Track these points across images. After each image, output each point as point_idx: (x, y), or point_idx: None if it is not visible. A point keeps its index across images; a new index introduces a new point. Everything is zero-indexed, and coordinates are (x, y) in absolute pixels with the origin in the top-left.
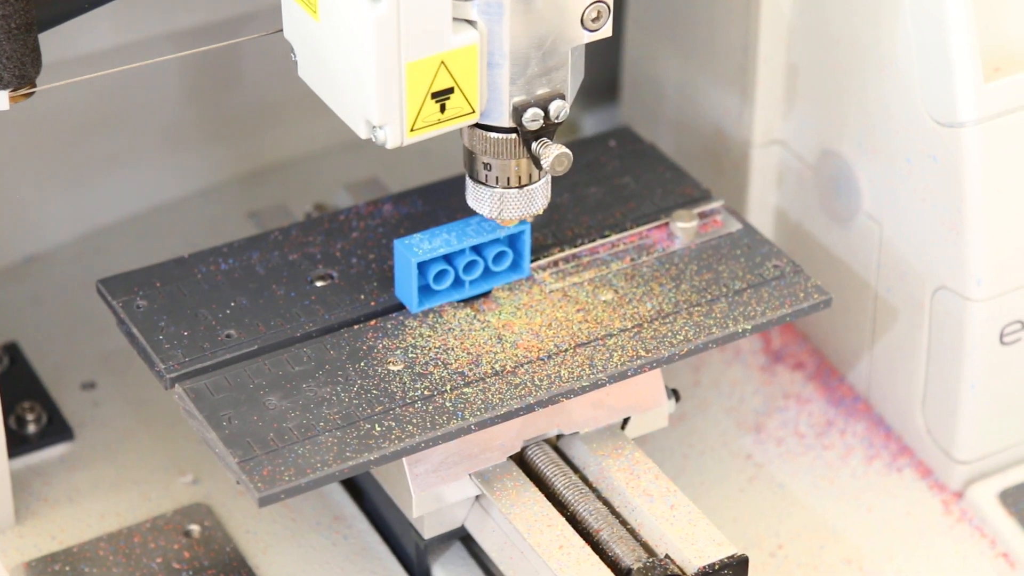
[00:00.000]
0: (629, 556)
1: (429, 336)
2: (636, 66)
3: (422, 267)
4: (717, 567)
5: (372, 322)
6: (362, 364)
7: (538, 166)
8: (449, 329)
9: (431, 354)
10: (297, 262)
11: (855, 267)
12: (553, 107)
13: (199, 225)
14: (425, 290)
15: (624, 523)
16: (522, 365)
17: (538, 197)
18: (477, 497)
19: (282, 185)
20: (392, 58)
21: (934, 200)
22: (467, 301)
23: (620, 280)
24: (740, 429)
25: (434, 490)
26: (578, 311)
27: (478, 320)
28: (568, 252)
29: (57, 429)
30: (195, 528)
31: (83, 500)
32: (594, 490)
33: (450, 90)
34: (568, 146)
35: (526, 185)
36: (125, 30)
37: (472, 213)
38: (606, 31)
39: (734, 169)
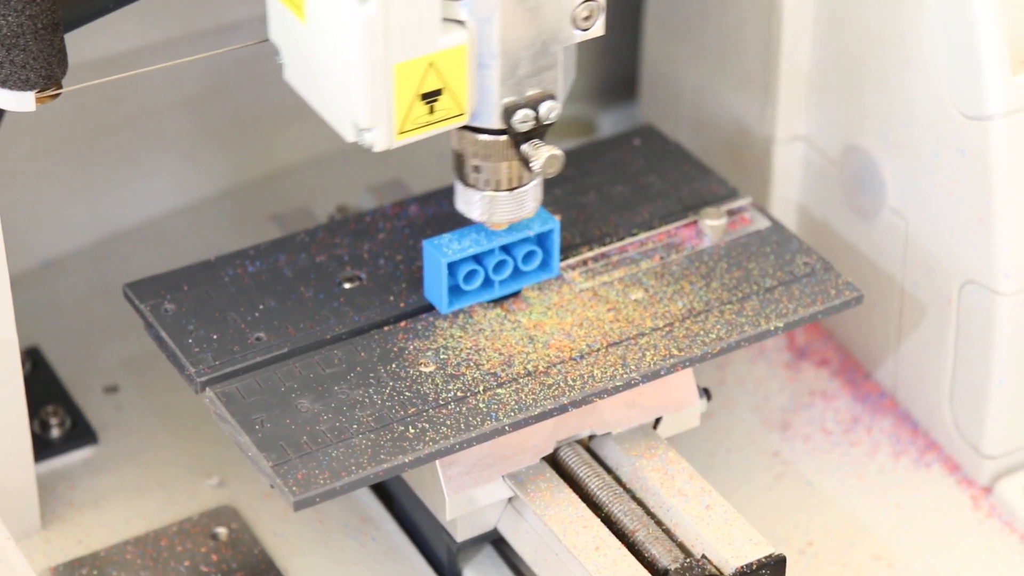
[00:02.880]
0: (666, 557)
1: (460, 337)
2: (655, 64)
3: (452, 267)
4: (755, 567)
5: (402, 323)
6: (394, 366)
7: (529, 168)
8: (480, 330)
9: (463, 355)
10: (324, 264)
11: (880, 263)
12: (544, 108)
13: (218, 228)
14: (455, 290)
15: (660, 523)
16: (554, 365)
17: (529, 200)
18: (510, 499)
19: (302, 187)
20: (380, 59)
21: (961, 194)
22: (497, 301)
23: (650, 279)
24: (766, 427)
25: (467, 492)
26: (609, 310)
27: (509, 320)
28: (597, 251)
29: (81, 433)
30: (222, 531)
31: (108, 504)
32: (628, 491)
33: (439, 91)
34: (593, 146)
35: (517, 188)
36: (147, 31)
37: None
38: (597, 30)
39: (756, 166)
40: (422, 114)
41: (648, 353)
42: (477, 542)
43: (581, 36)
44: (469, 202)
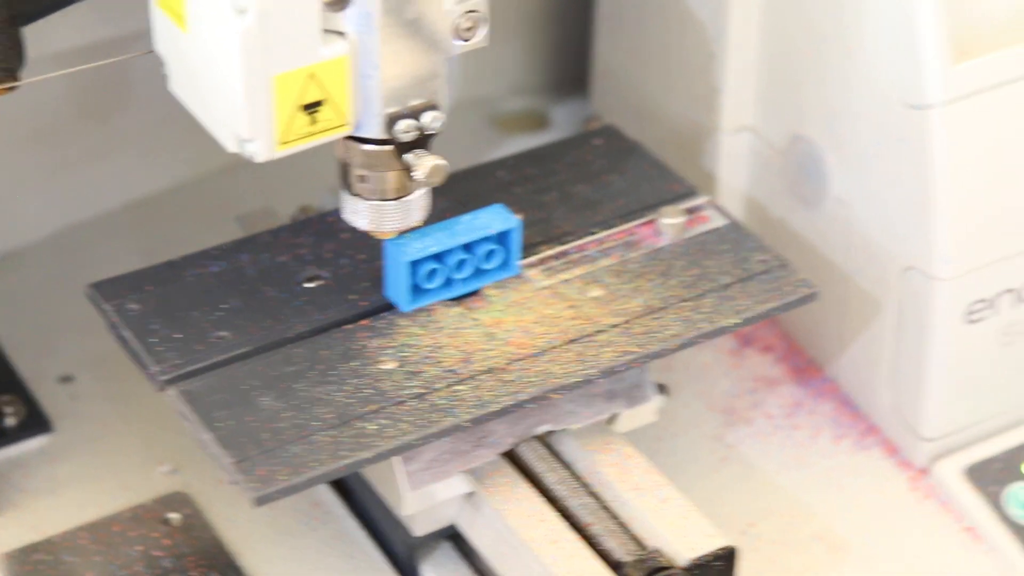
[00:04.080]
0: (621, 550)
1: (420, 335)
2: (606, 57)
3: (413, 266)
4: (708, 559)
5: (364, 322)
6: (354, 363)
7: (412, 177)
8: (440, 327)
9: (423, 352)
10: (287, 263)
11: (824, 250)
12: (427, 117)
13: (176, 221)
14: (416, 289)
15: (616, 517)
16: (514, 362)
17: (416, 209)
18: (468, 494)
19: (263, 183)
20: (260, 70)
21: (902, 182)
22: (458, 299)
23: (609, 276)
24: (711, 412)
25: (426, 488)
26: (568, 308)
27: (469, 318)
28: (557, 250)
29: (36, 422)
30: (175, 516)
31: (63, 491)
32: (585, 485)
33: (320, 102)
34: (554, 145)
35: (403, 197)
36: (106, 25)
37: (463, 210)
38: (480, 41)
39: (705, 157)
40: (303, 125)
41: (606, 350)
42: (435, 537)
43: (463, 47)
44: (356, 211)
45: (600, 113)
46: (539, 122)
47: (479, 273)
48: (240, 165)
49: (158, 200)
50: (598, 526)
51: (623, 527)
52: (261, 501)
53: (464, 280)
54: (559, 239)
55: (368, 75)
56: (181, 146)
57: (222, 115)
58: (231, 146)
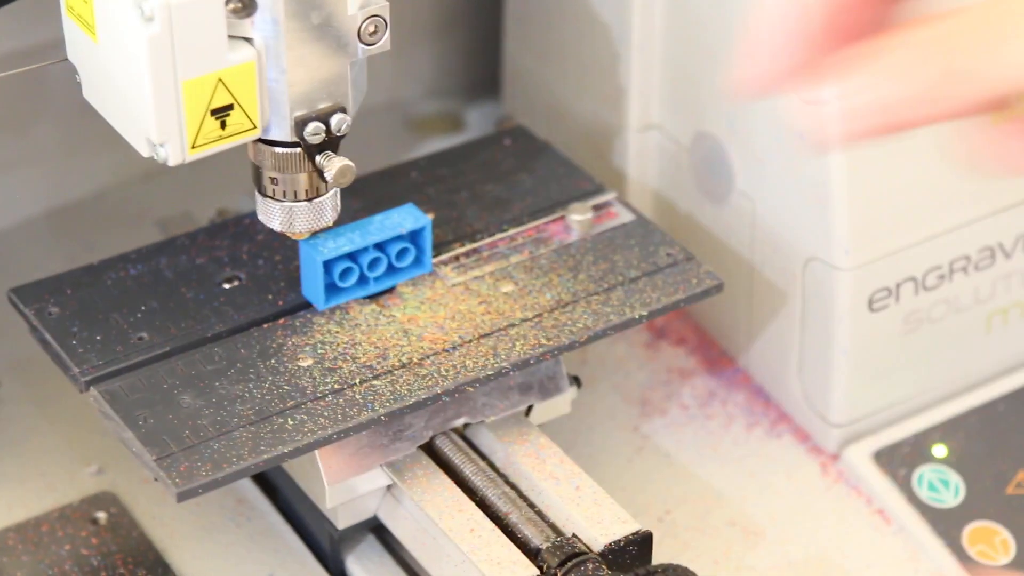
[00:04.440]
0: (538, 536)
1: (337, 332)
2: (516, 59)
3: (327, 265)
4: (623, 543)
5: (281, 320)
6: (272, 361)
7: (323, 179)
8: (356, 325)
9: (339, 349)
10: (204, 265)
11: (731, 244)
12: (335, 120)
13: (97, 228)
14: (331, 288)
15: (532, 506)
16: (428, 357)
17: (327, 209)
18: (389, 487)
19: (182, 189)
20: (168, 76)
21: (801, 175)
22: (372, 297)
23: (520, 272)
24: (626, 403)
25: (347, 481)
26: (480, 303)
27: (384, 315)
28: (468, 247)
29: None
30: (102, 516)
31: None
32: (502, 476)
33: (230, 107)
34: (465, 146)
35: (314, 198)
36: (20, 35)
37: (375, 210)
38: (384, 45)
39: (614, 155)
40: (214, 129)
41: (518, 343)
42: (358, 530)
43: (368, 51)
44: (268, 213)
45: (513, 114)
46: (453, 124)
47: (392, 271)
48: (158, 172)
49: (78, 207)
50: (515, 515)
51: (540, 515)
52: (183, 496)
53: (378, 279)
54: (470, 237)
55: (275, 80)
56: (99, 153)
57: (134, 121)
58: (144, 150)
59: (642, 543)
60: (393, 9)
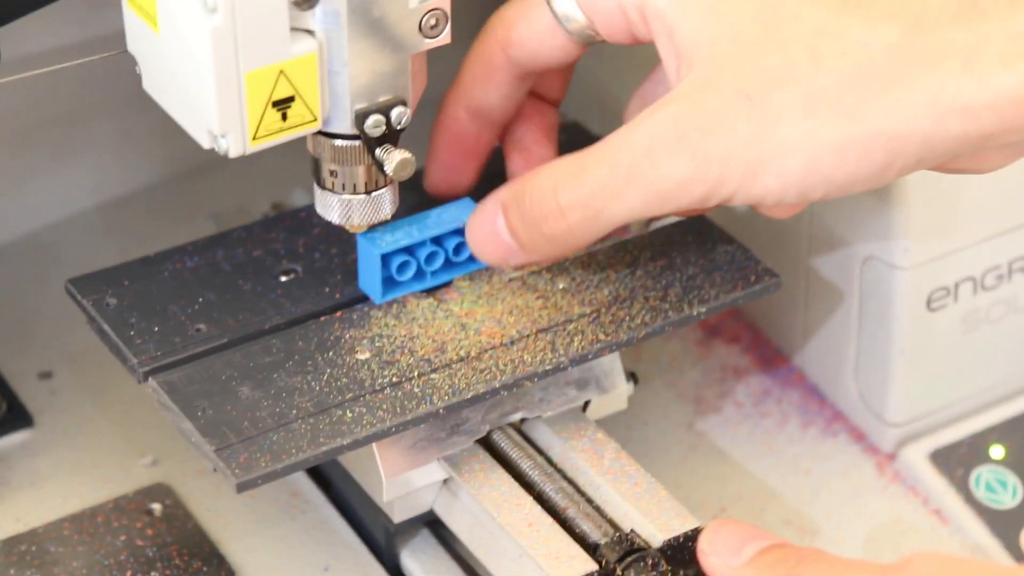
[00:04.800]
0: (596, 532)
1: (394, 325)
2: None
3: (385, 259)
4: (681, 540)
5: (338, 313)
6: (330, 354)
7: (382, 172)
8: (413, 318)
9: (397, 342)
10: (261, 258)
11: (787, 242)
12: (395, 113)
13: (150, 220)
14: (388, 281)
15: (590, 501)
16: (486, 351)
17: (386, 203)
18: (445, 481)
19: (235, 183)
20: (231, 68)
21: None
22: (429, 291)
23: (576, 268)
24: (681, 401)
25: (404, 475)
26: (537, 298)
27: (441, 309)
28: None
29: (17, 416)
30: (157, 507)
31: (45, 484)
32: (559, 471)
33: (291, 99)
34: None
35: (373, 191)
36: (79, 26)
37: (433, 204)
38: (445, 38)
39: None
40: (275, 120)
41: (576, 338)
42: (413, 524)
43: (429, 44)
44: (327, 206)
45: (567, 111)
46: None
47: (450, 266)
48: (214, 165)
49: (132, 200)
50: (573, 510)
51: (598, 510)
52: (243, 487)
53: (435, 273)
54: None
55: (337, 72)
56: (155, 147)
57: (195, 112)
58: (205, 142)
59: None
60: (454, 3)
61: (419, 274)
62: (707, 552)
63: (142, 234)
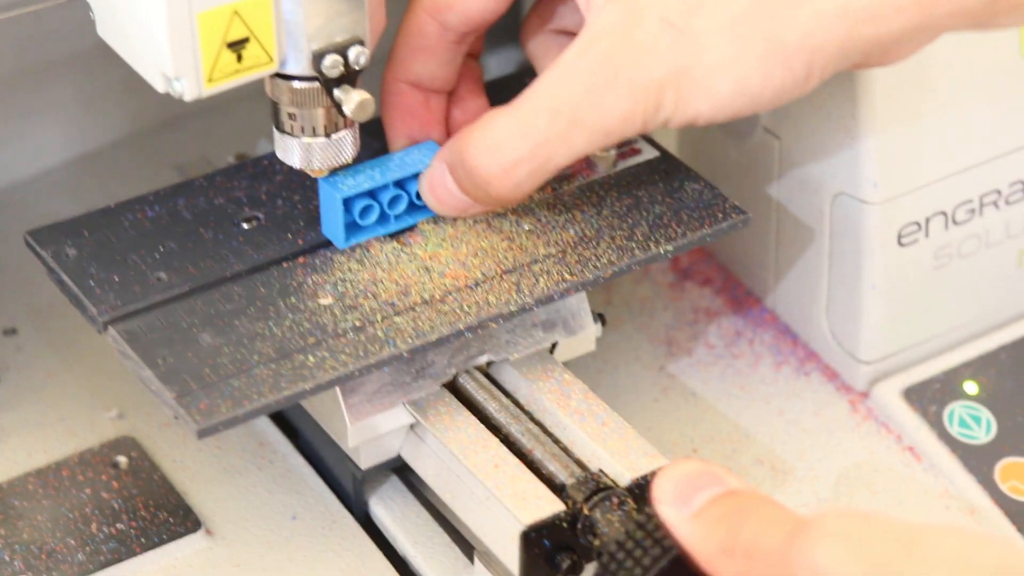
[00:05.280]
0: (563, 472)
1: (358, 270)
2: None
3: (347, 203)
4: (648, 478)
5: (301, 259)
6: (293, 299)
7: (341, 113)
8: (377, 263)
9: (360, 287)
10: (223, 206)
11: (756, 181)
12: (352, 53)
13: (115, 175)
14: (352, 226)
15: (557, 442)
16: (450, 293)
17: (347, 145)
18: (412, 426)
19: (200, 135)
20: (183, 9)
21: (828, 109)
22: (393, 235)
23: (542, 209)
24: (652, 343)
25: (369, 420)
26: (503, 240)
27: (405, 253)
28: None
29: None
30: (122, 460)
31: (9, 439)
32: (526, 413)
33: (245, 40)
34: (488, 84)
35: (333, 133)
36: None
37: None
38: None
39: None
40: (230, 62)
41: (542, 279)
42: (381, 470)
43: None
44: (287, 149)
45: None
46: None
47: (414, 209)
48: (176, 118)
49: (97, 156)
50: (540, 451)
51: (565, 451)
52: (203, 433)
53: (399, 216)
54: None
55: (292, 12)
56: (120, 102)
57: (149, 55)
58: (159, 86)
59: None
60: None
61: (383, 218)
62: (659, 500)
63: (109, 189)
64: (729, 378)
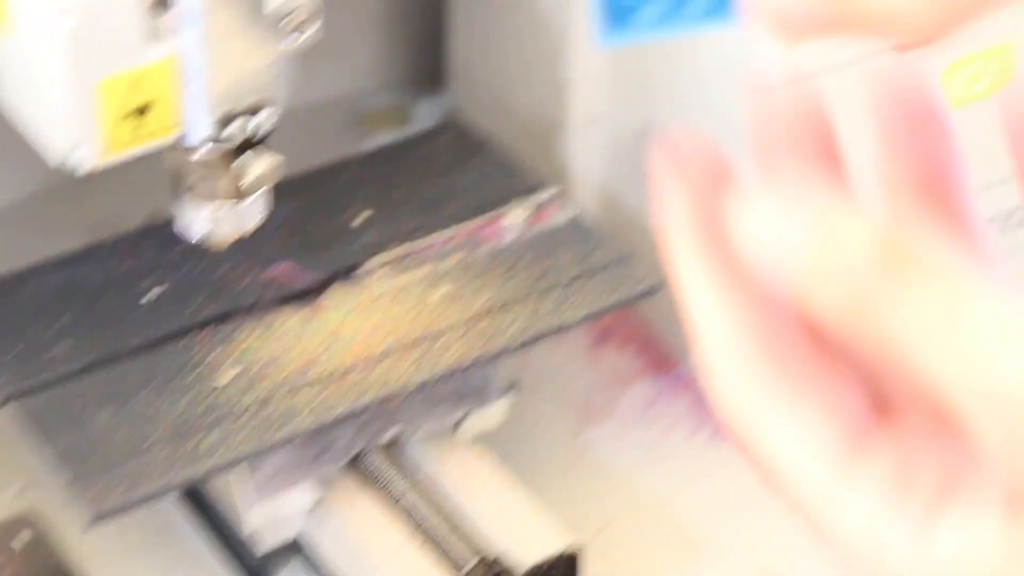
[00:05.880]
0: (467, 555)
1: (261, 343)
2: (461, 52)
3: None
4: (545, 567)
5: (203, 331)
6: (191, 376)
7: (244, 180)
8: (282, 335)
9: (263, 361)
10: (126, 274)
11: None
12: (257, 119)
13: (25, 234)
14: (619, 12)
15: (462, 523)
16: (354, 367)
17: (251, 213)
18: (314, 506)
19: (114, 191)
20: (83, 75)
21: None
22: (299, 307)
23: (454, 275)
24: (566, 411)
25: (264, 504)
26: (411, 309)
27: (311, 324)
28: (402, 249)
29: None
30: (19, 540)
31: None
32: (431, 491)
33: (147, 106)
34: (401, 143)
35: (237, 200)
36: None
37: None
38: (311, 37)
39: (560, 149)
40: (130, 130)
41: (447, 352)
42: (284, 551)
43: (294, 43)
44: (189, 218)
45: (462, 107)
46: (401, 118)
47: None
48: (92, 175)
49: (9, 214)
50: (443, 531)
51: (469, 532)
52: (97, 518)
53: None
54: (405, 238)
55: (195, 77)
56: (29, 157)
57: (44, 122)
58: (54, 157)
59: (571, 562)
60: (336, 1)
61: (668, 14)
62: None
63: (17, 249)
64: (644, 447)
